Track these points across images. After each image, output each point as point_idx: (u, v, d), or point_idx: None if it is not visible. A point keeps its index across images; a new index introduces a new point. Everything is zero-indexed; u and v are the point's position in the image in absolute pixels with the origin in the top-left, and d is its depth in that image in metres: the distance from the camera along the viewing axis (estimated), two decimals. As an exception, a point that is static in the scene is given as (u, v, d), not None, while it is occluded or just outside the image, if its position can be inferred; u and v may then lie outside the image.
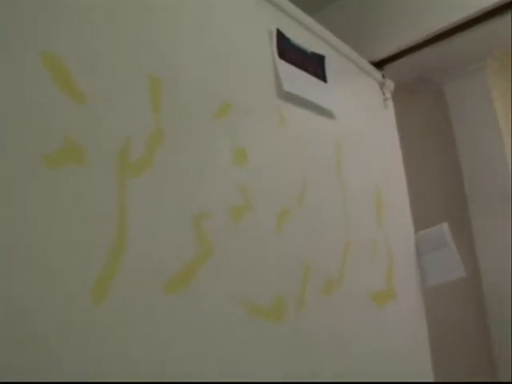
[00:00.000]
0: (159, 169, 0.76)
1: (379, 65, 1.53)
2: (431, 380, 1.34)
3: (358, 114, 1.34)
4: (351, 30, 1.48)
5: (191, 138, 0.83)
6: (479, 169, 1.90)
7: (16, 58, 0.63)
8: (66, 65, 0.68)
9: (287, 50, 1.14)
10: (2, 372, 0.55)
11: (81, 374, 0.61)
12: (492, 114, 1.88)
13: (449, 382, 1.61)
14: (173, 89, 0.82)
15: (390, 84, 1.54)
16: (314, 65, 1.22)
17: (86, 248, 0.65)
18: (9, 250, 0.57)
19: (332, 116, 1.22)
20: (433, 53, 1.65)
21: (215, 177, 0.86)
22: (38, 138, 0.63)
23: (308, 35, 1.22)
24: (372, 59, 1.50)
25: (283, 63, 1.10)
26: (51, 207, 0.63)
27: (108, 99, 0.72)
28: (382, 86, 1.50)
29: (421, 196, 1.68)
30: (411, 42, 1.51)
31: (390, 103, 1.52)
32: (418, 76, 1.99)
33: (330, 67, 1.26)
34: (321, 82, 1.22)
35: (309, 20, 1.23)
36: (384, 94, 1.50)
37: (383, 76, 1.51)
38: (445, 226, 1.46)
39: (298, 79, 1.14)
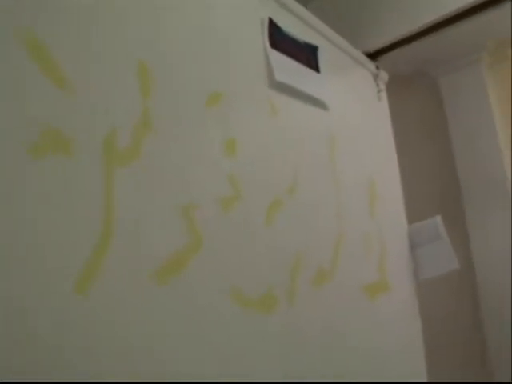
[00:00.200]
0: (147, 158, 0.75)
1: (373, 56, 1.52)
2: (424, 373, 1.33)
3: (352, 106, 1.33)
4: (345, 20, 1.47)
5: (180, 126, 0.82)
6: (473, 162, 1.90)
7: (-3, 42, 0.61)
8: (49, 50, 0.66)
9: (279, 40, 1.12)
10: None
11: (64, 366, 0.60)
12: (486, 106, 1.87)
13: (444, 382, 1.61)
14: (162, 77, 0.81)
15: (384, 75, 1.53)
16: (306, 55, 1.21)
17: (71, 238, 0.64)
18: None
19: (325, 107, 1.20)
20: (427, 45, 1.64)
21: (204, 167, 0.84)
22: (20, 126, 0.61)
23: (301, 25, 1.21)
24: (366, 50, 1.49)
25: (275, 53, 1.09)
26: (35, 197, 0.61)
27: (93, 86, 0.70)
28: (375, 77, 1.49)
29: (414, 189, 1.67)
30: (406, 33, 1.50)
31: (384, 95, 1.51)
32: (412, 69, 1.98)
33: (323, 58, 1.24)
34: (313, 73, 1.21)
35: (301, 10, 1.22)
36: (378, 85, 1.48)
37: (377, 67, 1.50)
38: (438, 219, 1.45)
39: (290, 69, 1.13)
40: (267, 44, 1.07)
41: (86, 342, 0.62)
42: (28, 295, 0.58)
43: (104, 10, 0.74)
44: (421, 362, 1.35)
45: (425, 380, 1.33)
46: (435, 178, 1.99)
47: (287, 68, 1.12)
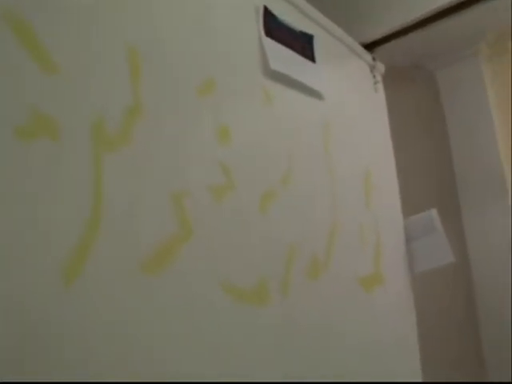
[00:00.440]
0: (137, 144, 0.73)
1: (370, 47, 1.50)
2: (418, 366, 1.32)
3: (347, 96, 1.31)
4: (341, 9, 1.45)
5: (172, 112, 0.80)
6: (470, 155, 1.89)
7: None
8: (36, 33, 0.64)
9: (274, 28, 1.10)
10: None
11: (52, 358, 0.58)
12: (484, 100, 1.86)
13: (439, 383, 1.60)
14: (153, 61, 0.79)
15: (381, 67, 1.51)
16: (302, 44, 1.19)
17: (58, 226, 0.62)
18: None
19: (320, 97, 1.19)
20: (425, 37, 1.63)
21: (196, 154, 0.83)
22: (7, 110, 0.60)
23: (296, 14, 1.19)
24: (362, 41, 1.47)
25: (270, 41, 1.07)
26: (21, 182, 0.60)
27: (82, 71, 0.69)
28: (372, 68, 1.47)
29: (410, 182, 1.66)
30: (403, 24, 1.48)
31: (381, 86, 1.49)
32: (409, 61, 1.96)
33: (318, 47, 1.23)
34: (309, 62, 1.19)
35: (297, -2, 1.20)
36: (374, 77, 1.47)
37: (374, 59, 1.48)
38: (434, 212, 1.44)
39: (285, 58, 1.11)
40: (262, 32, 1.06)
41: (73, 335, 0.61)
42: (12, 286, 0.56)
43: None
44: (415, 354, 1.34)
45: (419, 372, 1.32)
46: (431, 171, 1.98)
47: (282, 57, 1.11)
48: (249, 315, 0.85)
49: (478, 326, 1.80)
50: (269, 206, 0.94)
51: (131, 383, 0.65)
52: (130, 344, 0.67)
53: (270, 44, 1.07)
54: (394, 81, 1.63)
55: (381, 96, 1.49)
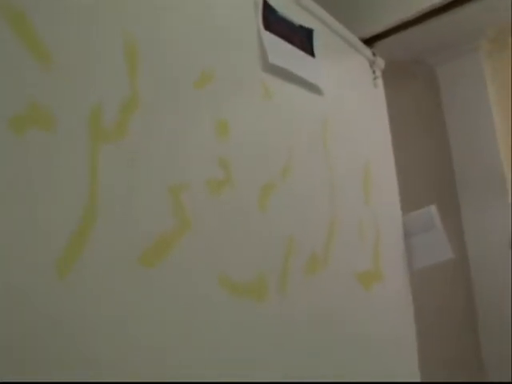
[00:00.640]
0: (134, 136, 0.72)
1: (370, 42, 1.49)
2: (416, 363, 1.32)
3: (347, 91, 1.31)
4: (341, 4, 1.44)
5: (170, 105, 0.79)
6: (470, 152, 1.88)
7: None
8: (31, 23, 0.63)
9: (273, 22, 1.09)
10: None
11: (48, 353, 0.58)
12: (484, 96, 1.85)
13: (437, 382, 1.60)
14: (151, 53, 0.78)
15: (381, 62, 1.50)
16: (301, 38, 1.18)
17: (53, 219, 0.61)
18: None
19: (319, 92, 1.18)
20: (425, 32, 1.62)
21: (194, 147, 0.82)
22: (1, 101, 0.59)
23: (295, 7, 1.18)
24: (362, 36, 1.46)
25: (269, 35, 1.06)
26: (16, 174, 0.59)
27: (78, 61, 0.68)
28: (372, 63, 1.46)
29: (409, 178, 1.65)
30: (403, 18, 1.47)
31: (380, 82, 1.48)
32: (409, 57, 1.95)
33: (318, 42, 1.22)
34: (308, 57, 1.18)
35: (297, -9, 1.19)
36: (374, 72, 1.46)
37: (373, 53, 1.47)
38: (433, 209, 1.43)
39: (284, 52, 1.10)
40: (261, 25, 1.05)
41: (69, 327, 0.60)
42: (6, 277, 0.56)
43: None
44: (413, 352, 1.33)
45: (417, 370, 1.32)
46: (431, 167, 1.98)
47: (281, 50, 1.10)
48: (246, 310, 0.85)
49: (477, 324, 1.79)
50: (267, 201, 0.93)
51: (129, 383, 0.65)
52: (127, 336, 0.66)
53: (269, 38, 1.06)
54: (394, 76, 1.62)
55: (380, 91, 1.48)
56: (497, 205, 1.78)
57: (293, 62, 1.11)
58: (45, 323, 0.58)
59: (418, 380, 1.30)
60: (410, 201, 1.50)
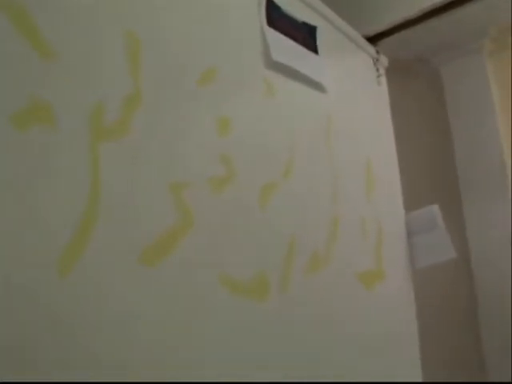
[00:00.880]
0: (136, 133, 0.72)
1: (373, 40, 1.48)
2: (418, 362, 1.31)
3: (350, 89, 1.30)
4: (345, 1, 1.43)
5: (172, 103, 0.79)
6: (472, 151, 1.87)
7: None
8: (32, 18, 0.63)
9: (277, 18, 1.09)
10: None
11: (48, 352, 0.57)
12: (487, 95, 1.84)
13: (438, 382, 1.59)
14: (154, 49, 0.78)
15: (384, 60, 1.50)
16: (304, 35, 1.17)
17: (54, 216, 0.61)
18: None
19: (322, 89, 1.17)
20: (429, 31, 1.61)
21: (196, 145, 0.82)
22: (3, 97, 0.59)
23: (299, 4, 1.17)
24: (366, 33, 1.45)
25: (272, 31, 1.06)
26: (18, 171, 0.58)
27: (80, 57, 0.67)
28: (375, 61, 1.45)
29: (412, 176, 1.65)
30: (407, 17, 1.46)
31: (384, 80, 1.47)
32: (413, 56, 1.95)
33: (321, 39, 1.21)
34: (312, 54, 1.18)
35: (300, -12, 1.18)
36: (377, 70, 1.45)
37: (377, 51, 1.46)
38: (435, 208, 1.43)
39: (287, 49, 1.10)
40: (264, 22, 1.04)
41: (71, 328, 0.60)
42: (7, 276, 0.55)
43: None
44: (415, 351, 1.33)
45: (419, 370, 1.31)
46: (433, 166, 1.97)
47: (284, 47, 1.09)
48: (247, 309, 0.84)
49: (479, 323, 1.79)
50: (269, 199, 0.93)
51: (130, 383, 0.64)
52: (128, 335, 0.65)
53: (272, 34, 1.05)
54: (397, 74, 1.61)
55: (384, 89, 1.47)
56: (500, 204, 1.77)
57: (296, 60, 1.10)
58: (46, 322, 0.57)
59: (420, 380, 1.30)
60: (412, 199, 1.49)
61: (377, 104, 1.43)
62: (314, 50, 1.19)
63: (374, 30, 1.48)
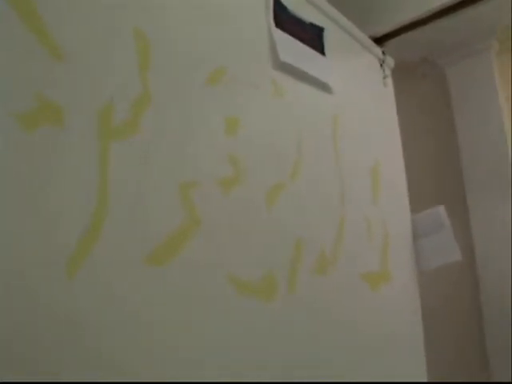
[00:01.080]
0: (145, 133, 0.72)
1: (380, 41, 1.48)
2: (423, 363, 1.31)
3: (356, 90, 1.30)
4: (352, 2, 1.43)
5: (181, 102, 0.79)
6: (478, 152, 1.87)
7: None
8: (42, 18, 0.63)
9: (284, 20, 1.09)
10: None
11: (55, 350, 0.58)
12: (494, 96, 1.84)
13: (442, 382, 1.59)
14: (163, 50, 0.78)
15: (390, 61, 1.49)
16: (312, 36, 1.17)
17: (63, 216, 0.61)
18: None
19: (329, 90, 1.17)
20: (435, 32, 1.61)
21: (205, 145, 0.82)
22: (10, 96, 0.59)
23: (306, 6, 1.17)
24: (372, 35, 1.45)
25: (280, 32, 1.06)
26: (25, 171, 0.58)
27: (90, 57, 0.68)
28: (381, 62, 1.45)
29: (417, 177, 1.64)
30: (413, 18, 1.46)
31: (390, 81, 1.47)
32: (419, 57, 1.94)
33: (328, 40, 1.21)
34: (319, 55, 1.18)
35: (307, -11, 1.18)
36: (384, 71, 1.45)
37: (383, 53, 1.46)
38: (441, 209, 1.42)
39: (294, 50, 1.10)
40: (272, 23, 1.04)
41: (79, 328, 0.60)
42: (17, 274, 0.55)
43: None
44: (420, 352, 1.33)
45: (424, 370, 1.31)
46: (439, 167, 1.96)
47: (292, 48, 1.09)
48: (254, 309, 0.84)
49: (483, 325, 1.78)
50: (276, 199, 0.93)
51: (138, 383, 0.65)
52: (136, 335, 0.66)
53: (280, 36, 1.06)
54: (404, 75, 1.61)
55: (390, 90, 1.47)
56: (506, 204, 1.76)
57: (303, 61, 1.11)
58: (54, 322, 0.58)
59: (425, 380, 1.30)
60: (417, 200, 1.49)
61: (383, 105, 1.42)
62: (321, 51, 1.19)
63: (380, 31, 1.48)
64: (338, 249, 1.07)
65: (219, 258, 0.80)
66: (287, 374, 0.87)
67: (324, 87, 1.16)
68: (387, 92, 1.46)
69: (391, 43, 1.52)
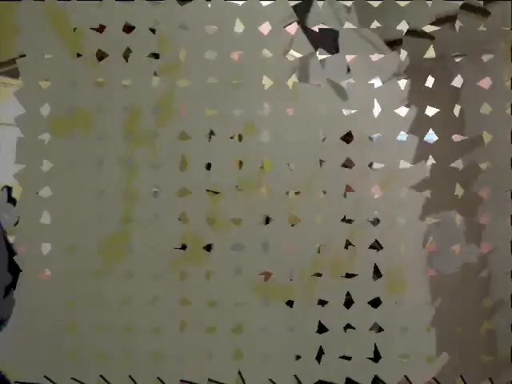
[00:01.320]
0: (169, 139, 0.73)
1: (393, 43, 1.47)
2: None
3: (372, 93, 1.29)
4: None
5: (203, 108, 0.80)
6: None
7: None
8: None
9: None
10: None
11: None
12: (503, 99, 1.82)
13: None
14: (189, 56, 0.78)
15: (404, 64, 1.48)
16: (327, 39, 1.17)
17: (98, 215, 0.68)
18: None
19: (344, 94, 1.17)
20: (447, 33, 1.60)
21: (225, 151, 0.83)
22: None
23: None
24: (387, 38, 1.44)
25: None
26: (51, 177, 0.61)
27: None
28: (396, 64, 1.44)
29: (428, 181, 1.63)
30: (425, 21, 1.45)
31: (404, 82, 1.46)
32: (432, 58, 1.93)
33: (343, 43, 1.21)
34: (334, 58, 1.17)
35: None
36: (398, 74, 1.44)
37: (398, 54, 1.45)
38: (452, 214, 1.42)
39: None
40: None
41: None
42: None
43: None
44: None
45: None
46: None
47: (308, 51, 1.09)
48: (275, 312, 0.86)
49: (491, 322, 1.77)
50: (295, 206, 0.93)
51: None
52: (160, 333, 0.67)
53: (297, 37, 1.05)
54: (417, 76, 1.59)
55: (404, 92, 1.46)
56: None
57: (319, 64, 1.11)
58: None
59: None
60: (429, 204, 1.47)
61: (397, 107, 1.41)
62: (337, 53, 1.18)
63: (394, 34, 1.47)
64: (353, 254, 1.07)
65: (241, 263, 0.81)
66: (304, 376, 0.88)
67: (340, 90, 1.15)
68: (402, 94, 1.45)
69: (405, 45, 1.51)
